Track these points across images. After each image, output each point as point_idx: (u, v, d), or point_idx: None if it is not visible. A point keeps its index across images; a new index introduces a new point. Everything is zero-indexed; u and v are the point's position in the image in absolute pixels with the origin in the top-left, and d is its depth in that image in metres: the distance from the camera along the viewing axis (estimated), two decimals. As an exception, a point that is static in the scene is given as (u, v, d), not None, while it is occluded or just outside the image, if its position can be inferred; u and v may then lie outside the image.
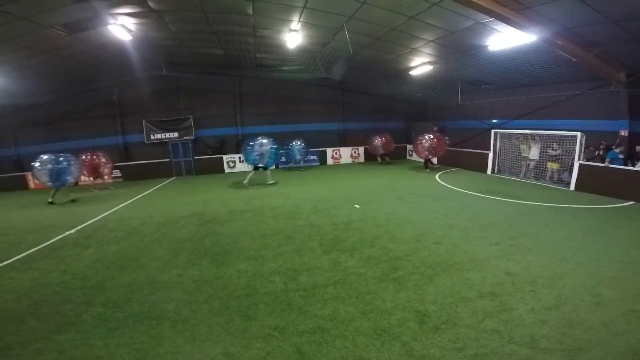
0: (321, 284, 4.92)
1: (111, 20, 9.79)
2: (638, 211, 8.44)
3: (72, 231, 8.43)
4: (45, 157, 12.06)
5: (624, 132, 11.21)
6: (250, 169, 14.34)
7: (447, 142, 19.39)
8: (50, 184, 12.25)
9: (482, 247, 6.15)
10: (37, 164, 11.99)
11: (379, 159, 19.59)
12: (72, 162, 12.42)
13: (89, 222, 9.21)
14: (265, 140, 13.61)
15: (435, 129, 20.15)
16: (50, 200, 12.38)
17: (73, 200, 12.72)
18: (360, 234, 7.12)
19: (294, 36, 11.37)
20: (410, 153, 20.57)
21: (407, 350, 3.40)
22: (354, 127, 21.06)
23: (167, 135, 18.08)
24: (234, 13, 10.17)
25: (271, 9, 9.76)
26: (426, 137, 16.10)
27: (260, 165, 13.74)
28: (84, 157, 14.81)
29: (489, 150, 14.73)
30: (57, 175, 12.03)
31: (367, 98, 21.34)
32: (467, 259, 5.62)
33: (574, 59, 9.94)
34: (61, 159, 12.12)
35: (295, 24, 10.61)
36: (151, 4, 9.21)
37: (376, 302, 4.35)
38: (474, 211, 8.69)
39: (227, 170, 18.80)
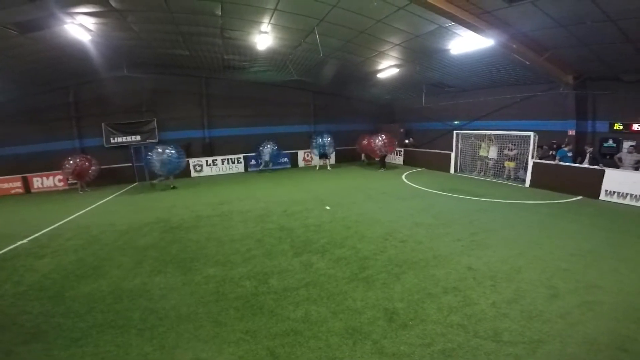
0: (293, 287, 4.92)
1: (69, 20, 9.20)
2: (585, 205, 9.15)
3: (25, 241, 7.86)
4: (159, 149, 13.93)
5: (571, 132, 12.12)
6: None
7: (412, 142, 20.09)
8: (161, 171, 14.12)
9: (446, 244, 6.41)
10: (154, 154, 13.71)
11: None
12: (181, 155, 14.48)
13: (43, 231, 8.63)
14: (328, 137, 18.24)
15: (401, 130, 20.78)
16: (152, 182, 14.50)
17: (174, 187, 14.31)
18: (330, 235, 7.18)
19: (264, 38, 11.25)
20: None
21: (378, 348, 3.48)
22: (325, 130, 21.03)
23: (129, 138, 17.24)
24: (201, 14, 9.88)
25: (241, 11, 9.61)
26: (380, 137, 17.31)
27: (325, 154, 18.48)
28: (72, 161, 14.60)
29: (452, 150, 15.36)
30: (168, 164, 13.89)
31: (337, 100, 21.50)
32: (431, 256, 5.84)
33: (527, 62, 10.60)
34: (172, 150, 14.04)
35: (266, 25, 10.52)
36: (113, 3, 8.76)
37: (347, 302, 4.41)
38: (438, 209, 9.04)
39: (193, 174, 18.23)
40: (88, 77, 15.75)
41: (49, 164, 15.48)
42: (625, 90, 10.68)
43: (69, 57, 12.47)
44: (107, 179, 16.16)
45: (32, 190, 15.70)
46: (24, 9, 8.18)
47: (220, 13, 9.65)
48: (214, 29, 11.10)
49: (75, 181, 15.24)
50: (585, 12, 7.44)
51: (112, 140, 17.07)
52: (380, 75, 15.74)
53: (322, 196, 11.26)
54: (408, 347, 3.46)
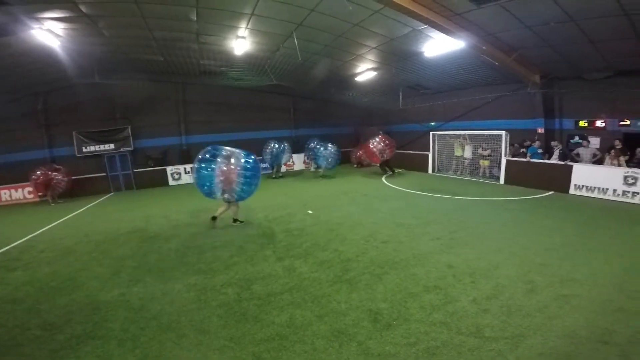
0: (276, 292, 4.90)
1: (36, 25, 8.84)
2: (557, 200, 9.55)
3: (-7, 255, 7.50)
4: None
5: (540, 130, 12.64)
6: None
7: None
8: (271, 162, 17.42)
9: (426, 243, 6.54)
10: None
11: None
12: (286, 148, 17.41)
13: (13, 244, 8.23)
14: (330, 146, 17.35)
15: (380, 132, 21.01)
16: (276, 176, 17.45)
17: (282, 176, 17.57)
18: (313, 239, 7.19)
19: (241, 43, 11.15)
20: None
21: (364, 349, 3.50)
22: (306, 134, 20.92)
23: (102, 147, 16.66)
24: (175, 19, 9.70)
25: (217, 16, 9.50)
26: (376, 139, 15.51)
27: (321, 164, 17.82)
28: (39, 172, 14.20)
29: (429, 151, 15.69)
30: (276, 157, 17.15)
31: (317, 104, 21.56)
32: (412, 255, 5.94)
33: (496, 63, 10.98)
34: (278, 144, 17.09)
35: (243, 30, 10.44)
36: (83, 9, 8.47)
37: (331, 305, 4.43)
38: (418, 209, 9.22)
39: (171, 182, 17.77)
40: (58, 84, 15.16)
41: (18, 176, 14.78)
42: (589, 89, 11.23)
43: (37, 63, 11.98)
44: (80, 190, 15.58)
45: (0, 203, 14.96)
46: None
47: (195, 18, 9.52)
48: (189, 34, 10.93)
49: (42, 193, 14.63)
50: (549, 13, 7.79)
51: (84, 150, 16.46)
52: (359, 79, 15.93)
53: (304, 200, 11.26)
54: (393, 347, 3.50)
